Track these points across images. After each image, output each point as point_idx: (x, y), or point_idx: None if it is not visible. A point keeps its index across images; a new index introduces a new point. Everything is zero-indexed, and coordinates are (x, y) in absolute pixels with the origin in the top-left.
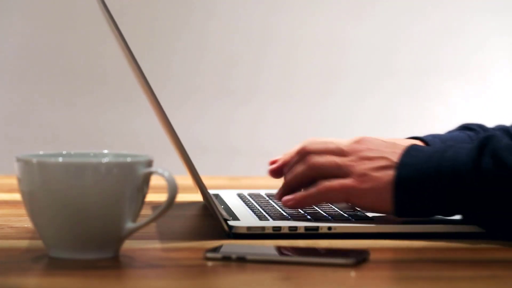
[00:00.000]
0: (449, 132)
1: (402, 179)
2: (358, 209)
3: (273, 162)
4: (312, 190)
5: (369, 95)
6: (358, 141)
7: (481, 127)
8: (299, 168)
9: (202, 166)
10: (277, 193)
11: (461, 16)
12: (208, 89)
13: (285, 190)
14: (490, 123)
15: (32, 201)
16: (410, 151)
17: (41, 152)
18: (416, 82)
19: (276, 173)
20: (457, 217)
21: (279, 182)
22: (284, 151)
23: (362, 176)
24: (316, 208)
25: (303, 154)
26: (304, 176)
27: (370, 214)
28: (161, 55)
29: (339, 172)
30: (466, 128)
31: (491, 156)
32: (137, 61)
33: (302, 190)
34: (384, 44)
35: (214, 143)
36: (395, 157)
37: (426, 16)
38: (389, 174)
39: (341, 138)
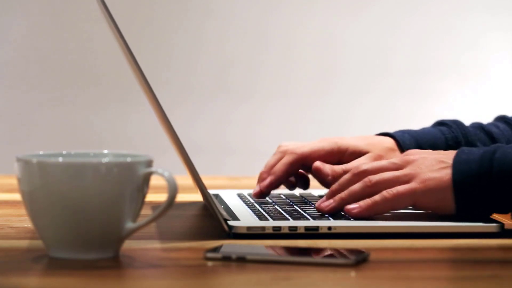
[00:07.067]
0: (423, 128)
1: (459, 176)
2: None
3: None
4: (377, 198)
5: (366, 94)
6: (407, 154)
7: (455, 122)
8: (357, 187)
9: (198, 165)
10: (324, 205)
11: (457, 14)
12: (205, 88)
13: (339, 205)
14: (487, 120)
15: (32, 201)
16: (461, 153)
17: (41, 152)
18: (413, 80)
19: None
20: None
21: None
22: None
23: (424, 178)
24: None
25: (358, 174)
26: (364, 195)
27: None
28: (157, 55)
29: (399, 183)
30: (440, 124)
31: None
32: (136, 60)
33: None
34: (380, 42)
35: (210, 142)
36: (450, 159)
37: (422, 14)
38: (449, 173)
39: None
